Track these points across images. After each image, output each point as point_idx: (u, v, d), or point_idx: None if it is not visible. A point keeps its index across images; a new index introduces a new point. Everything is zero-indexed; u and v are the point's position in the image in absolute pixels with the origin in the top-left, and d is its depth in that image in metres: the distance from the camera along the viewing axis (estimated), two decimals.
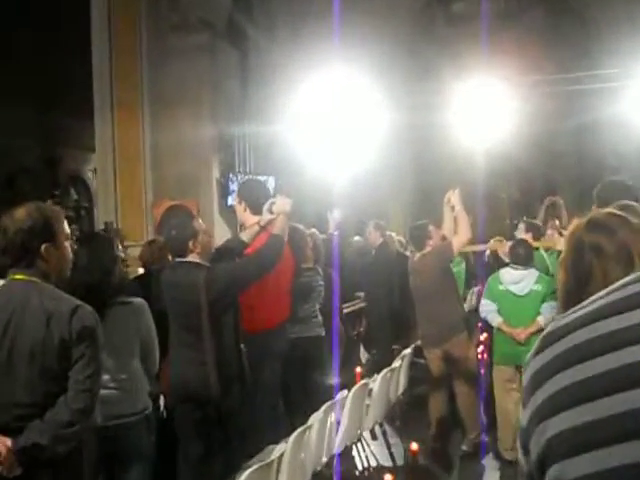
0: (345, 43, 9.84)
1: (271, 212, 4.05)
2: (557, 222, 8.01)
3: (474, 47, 10.30)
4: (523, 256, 5.47)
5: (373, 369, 6.88)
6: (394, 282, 7.39)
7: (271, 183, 10.94)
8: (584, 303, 0.76)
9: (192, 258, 3.82)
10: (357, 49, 10.70)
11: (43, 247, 2.51)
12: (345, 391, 4.35)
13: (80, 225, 13.81)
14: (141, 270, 5.38)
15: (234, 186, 10.72)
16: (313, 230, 8.21)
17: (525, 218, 7.09)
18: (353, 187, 10.76)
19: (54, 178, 15.15)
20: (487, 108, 10.69)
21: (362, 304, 8.29)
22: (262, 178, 10.98)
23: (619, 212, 1.93)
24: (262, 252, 3.92)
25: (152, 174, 10.74)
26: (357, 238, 9.61)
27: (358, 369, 7.35)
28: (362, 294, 8.37)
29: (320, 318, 5.28)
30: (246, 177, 10.62)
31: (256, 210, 4.31)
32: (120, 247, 4.79)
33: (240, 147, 11.36)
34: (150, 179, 10.72)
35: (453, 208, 5.57)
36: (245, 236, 4.16)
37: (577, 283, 1.76)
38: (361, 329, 8.50)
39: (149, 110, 10.65)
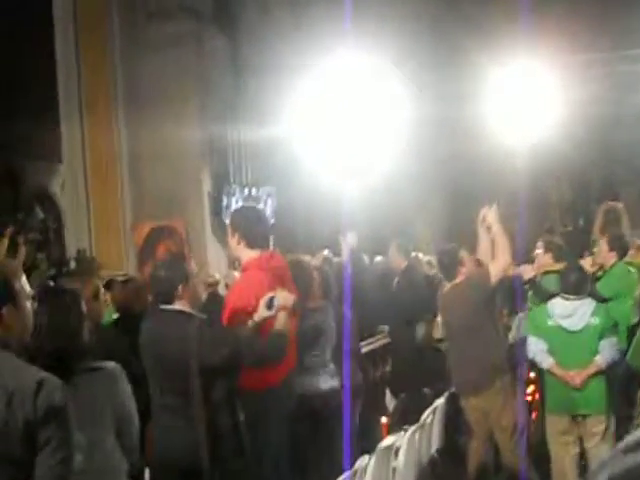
0: (358, 25, 9.88)
1: (269, 308, 4.08)
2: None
3: (511, 23, 10.34)
4: (576, 284, 5.48)
5: (402, 418, 6.91)
6: (423, 312, 7.43)
7: (271, 203, 11.03)
8: None
9: (181, 306, 3.86)
10: (372, 32, 10.75)
11: (3, 310, 2.56)
12: (366, 457, 4.37)
13: (49, 252, 13.91)
14: (115, 315, 5.44)
15: (229, 201, 10.81)
16: (325, 253, 8.28)
17: (548, 232, 7.00)
18: (371, 198, 10.79)
19: (15, 196, 15.28)
20: (530, 96, 10.70)
21: (386, 340, 8.31)
22: (263, 190, 11.10)
23: None
24: (267, 344, 4.03)
25: (131, 189, 10.85)
26: (379, 259, 9.65)
27: (384, 419, 7.38)
28: (386, 327, 8.40)
29: (333, 367, 5.30)
30: (240, 202, 10.67)
31: (252, 243, 4.35)
32: (97, 282, 4.86)
33: (235, 154, 11.46)
34: (128, 195, 10.84)
35: (489, 228, 5.59)
36: (244, 328, 4.17)
37: None
38: (386, 369, 8.52)
39: (125, 112, 10.78)
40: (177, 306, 3.84)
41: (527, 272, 6.62)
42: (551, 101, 10.50)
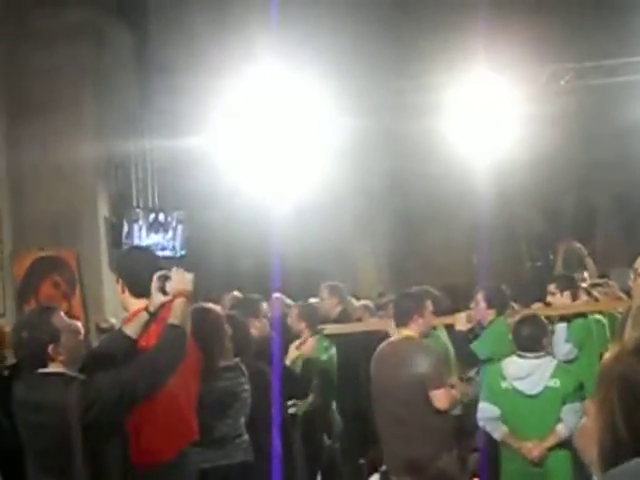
0: (290, 22, 9.96)
1: (164, 292, 4.07)
2: (585, 274, 8.23)
3: (472, 29, 10.54)
4: (534, 338, 5.57)
5: None
6: (359, 368, 7.43)
7: (182, 230, 10.99)
8: None
9: (55, 368, 3.83)
10: (308, 30, 10.86)
11: None
12: None
13: None
14: None
15: (131, 228, 10.74)
16: (235, 294, 8.24)
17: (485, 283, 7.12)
18: (301, 226, 10.86)
19: None
20: (492, 110, 10.94)
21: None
22: (172, 215, 11.06)
23: None
24: (156, 353, 3.94)
25: (11, 212, 10.70)
26: (313, 301, 9.66)
27: None
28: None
29: (246, 437, 5.28)
30: (144, 230, 10.61)
31: (138, 291, 4.36)
32: None
33: (139, 172, 11.40)
34: (8, 219, 10.68)
35: None
36: (130, 329, 4.16)
37: (632, 434, 1.84)
38: None
39: (5, 120, 10.65)
40: (51, 369, 3.80)
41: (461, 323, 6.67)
42: (515, 116, 10.75)
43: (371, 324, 7.50)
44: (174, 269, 4.18)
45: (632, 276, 5.60)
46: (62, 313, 4.02)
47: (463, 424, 6.37)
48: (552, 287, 7.07)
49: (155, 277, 4.13)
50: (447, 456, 5.50)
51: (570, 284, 7.11)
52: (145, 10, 11.87)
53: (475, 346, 6.46)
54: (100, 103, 10.96)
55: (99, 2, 11.16)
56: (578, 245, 7.85)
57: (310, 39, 10.32)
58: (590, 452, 1.95)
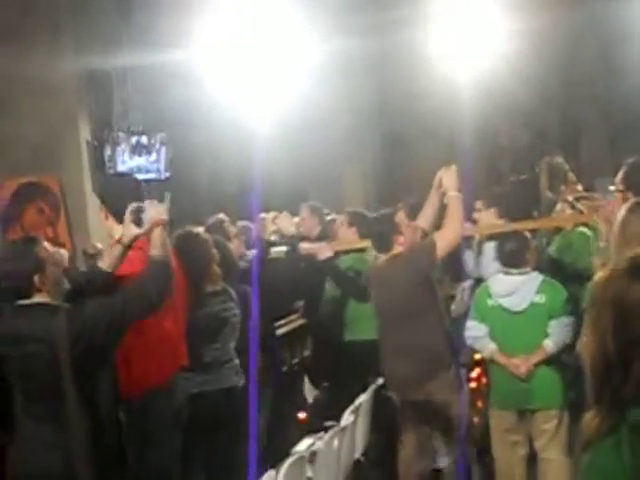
0: None
1: (138, 223, 4.07)
2: (563, 187, 8.24)
3: None
4: (516, 254, 5.62)
5: (324, 411, 7.02)
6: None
7: (166, 152, 10.92)
8: None
9: (40, 299, 3.86)
10: None
11: None
12: (272, 473, 4.44)
13: None
14: None
15: (114, 151, 10.69)
16: (221, 217, 8.28)
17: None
18: (287, 141, 10.82)
19: None
20: (475, 23, 10.81)
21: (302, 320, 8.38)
22: (155, 137, 10.99)
23: None
24: (143, 282, 3.98)
25: None
26: (296, 220, 9.69)
27: (302, 415, 7.49)
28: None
29: (237, 361, 5.35)
30: (126, 153, 10.54)
31: (122, 217, 4.40)
32: None
33: (120, 90, 11.29)
34: None
35: (444, 194, 5.55)
36: (106, 262, 4.16)
37: (621, 355, 1.87)
38: (304, 354, 8.62)
39: None
40: (36, 299, 3.83)
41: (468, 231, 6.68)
42: (499, 30, 10.63)
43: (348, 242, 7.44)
44: (147, 201, 4.18)
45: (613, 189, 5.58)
46: (46, 243, 4.02)
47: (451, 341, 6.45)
48: (479, 203, 7.07)
49: (128, 210, 4.12)
50: (444, 374, 5.59)
51: (497, 201, 7.12)
52: None
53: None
54: (77, 19, 10.77)
55: None
56: (560, 160, 7.80)
57: None
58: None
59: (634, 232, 3.40)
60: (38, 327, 3.80)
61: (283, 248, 7.04)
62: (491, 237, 6.85)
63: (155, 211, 4.08)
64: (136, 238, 4.10)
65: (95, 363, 3.87)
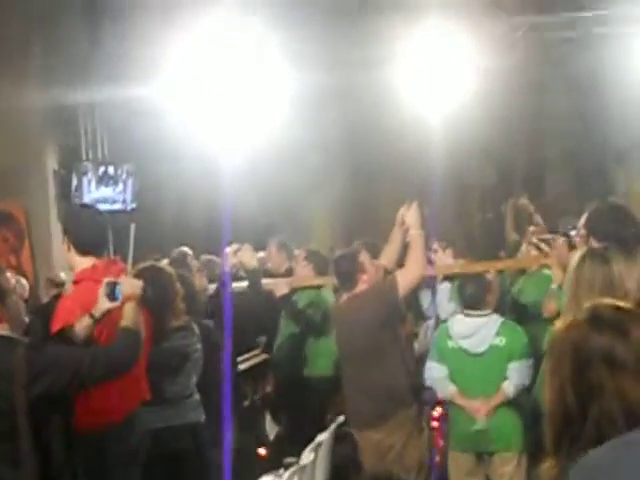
0: None
1: (113, 298, 4.11)
2: (531, 228, 8.38)
3: None
4: (477, 296, 5.69)
5: (284, 449, 7.02)
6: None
7: (132, 183, 10.92)
8: None
9: (0, 330, 3.85)
10: None
11: None
12: None
13: None
14: None
15: (80, 181, 10.68)
16: (184, 250, 8.30)
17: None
18: (253, 177, 10.85)
19: None
20: (447, 62, 10.94)
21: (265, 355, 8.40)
22: (122, 167, 10.99)
23: (625, 305, 2.09)
24: (111, 351, 4.02)
25: None
26: (261, 255, 9.72)
27: (262, 451, 7.48)
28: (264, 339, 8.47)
29: (198, 397, 5.37)
30: (93, 183, 10.54)
31: (84, 249, 4.45)
32: None
33: (88, 122, 11.30)
34: None
35: (407, 231, 5.61)
36: (76, 333, 4.14)
37: (579, 405, 1.93)
38: (267, 390, 8.63)
39: None
40: None
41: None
42: (468, 69, 10.77)
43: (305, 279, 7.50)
44: (122, 277, 4.27)
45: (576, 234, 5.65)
46: (8, 274, 4.03)
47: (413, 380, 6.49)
48: (435, 244, 7.15)
49: (104, 283, 4.15)
50: (405, 413, 5.62)
51: (451, 243, 7.22)
52: None
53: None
54: (46, 50, 10.79)
55: None
56: (526, 202, 7.94)
57: None
58: None
59: (588, 279, 3.46)
60: None
61: (244, 283, 7.07)
62: (446, 278, 6.94)
63: (130, 286, 4.16)
64: (108, 312, 4.13)
65: (51, 406, 3.84)
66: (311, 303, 7.13)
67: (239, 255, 7.09)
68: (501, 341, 5.63)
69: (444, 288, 6.86)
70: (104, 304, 4.10)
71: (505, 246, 9.30)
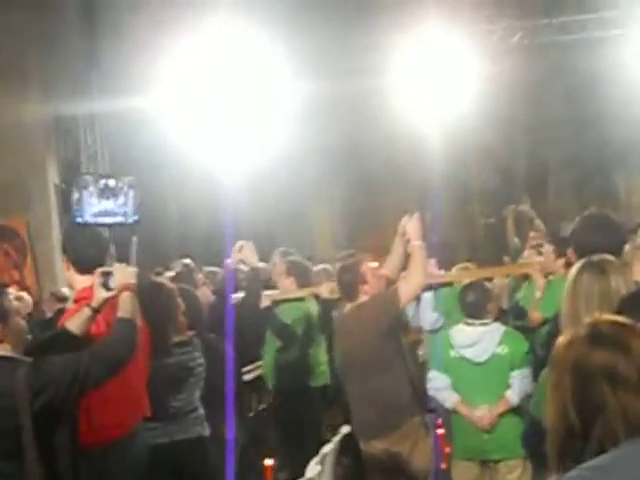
0: None
1: (107, 288, 4.13)
2: (532, 234, 8.41)
3: None
4: (478, 305, 5.70)
5: (291, 459, 7.03)
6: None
7: (134, 196, 10.95)
8: None
9: (2, 351, 3.87)
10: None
11: None
12: None
13: None
14: None
15: (81, 194, 10.71)
16: (187, 262, 8.31)
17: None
18: (254, 187, 10.89)
19: None
20: (442, 69, 10.98)
21: None
22: (123, 180, 11.02)
23: (625, 320, 2.10)
24: (108, 345, 3.99)
25: None
26: (263, 266, 9.72)
27: (268, 461, 7.47)
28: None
29: (202, 412, 5.37)
30: (94, 197, 10.57)
31: (83, 268, 4.46)
32: None
33: (88, 136, 11.33)
34: None
35: (408, 242, 5.60)
36: (73, 324, 4.17)
37: (581, 422, 1.94)
38: (272, 400, 8.64)
39: None
40: None
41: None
42: (466, 75, 10.81)
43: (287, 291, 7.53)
44: (116, 265, 4.27)
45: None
46: (11, 290, 4.05)
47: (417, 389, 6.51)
48: None
49: (97, 273, 4.18)
50: (410, 422, 5.62)
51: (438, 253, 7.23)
52: None
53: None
54: (45, 66, 10.84)
55: None
56: (526, 208, 7.96)
57: (262, 1, 10.29)
58: None
59: (586, 291, 3.48)
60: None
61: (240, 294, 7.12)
62: (429, 287, 6.92)
63: (123, 275, 4.15)
64: (105, 302, 4.15)
65: (55, 418, 3.87)
66: (294, 317, 7.18)
67: (242, 252, 7.11)
68: (503, 350, 5.64)
69: (426, 298, 6.89)
70: (101, 294, 4.11)
71: (507, 251, 9.33)
